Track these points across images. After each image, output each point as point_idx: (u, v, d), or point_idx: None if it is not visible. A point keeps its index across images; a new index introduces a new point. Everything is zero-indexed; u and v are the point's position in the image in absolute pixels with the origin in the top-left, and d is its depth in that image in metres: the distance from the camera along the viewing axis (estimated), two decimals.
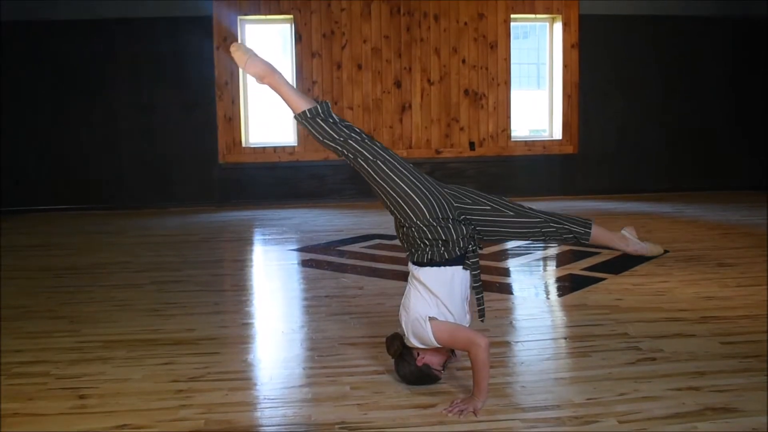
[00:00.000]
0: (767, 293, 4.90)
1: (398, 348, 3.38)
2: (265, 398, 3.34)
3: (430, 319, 3.21)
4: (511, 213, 3.34)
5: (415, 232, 3.23)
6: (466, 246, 3.26)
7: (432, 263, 3.23)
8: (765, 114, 9.95)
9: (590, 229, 3.40)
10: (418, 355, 3.33)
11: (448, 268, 3.23)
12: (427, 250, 3.23)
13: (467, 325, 3.31)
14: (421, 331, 3.22)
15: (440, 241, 3.21)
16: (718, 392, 3.28)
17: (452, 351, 3.44)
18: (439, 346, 3.24)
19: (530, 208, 3.41)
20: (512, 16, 9.56)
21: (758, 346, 3.87)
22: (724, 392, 3.28)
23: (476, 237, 3.33)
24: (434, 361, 3.34)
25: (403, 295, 3.39)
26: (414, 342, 3.28)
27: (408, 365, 3.36)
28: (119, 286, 5.42)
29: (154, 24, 8.97)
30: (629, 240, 3.51)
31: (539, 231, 3.36)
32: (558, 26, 9.71)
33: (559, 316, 4.72)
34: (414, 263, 3.30)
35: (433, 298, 3.24)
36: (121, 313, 4.69)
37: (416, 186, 3.21)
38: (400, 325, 3.35)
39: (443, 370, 3.40)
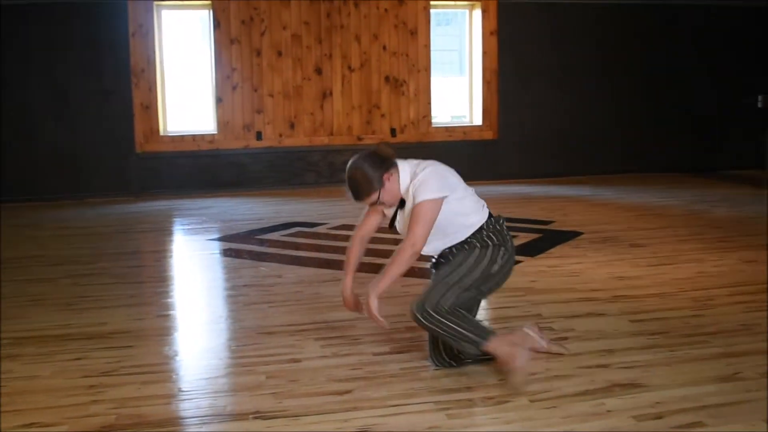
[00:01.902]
0: (675, 272, 5.07)
1: (384, 151, 3.29)
2: (179, 390, 3.29)
3: (446, 198, 3.22)
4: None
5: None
6: None
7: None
8: (677, 97, 10.26)
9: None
10: (390, 177, 3.25)
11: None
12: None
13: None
14: (430, 185, 3.20)
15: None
16: (625, 369, 3.38)
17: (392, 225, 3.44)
18: (413, 206, 3.20)
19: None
20: (432, 2, 9.62)
21: (665, 323, 4.01)
22: (632, 368, 3.38)
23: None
24: (389, 194, 3.28)
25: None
26: (404, 176, 3.25)
27: (372, 165, 3.24)
28: (32, 280, 5.27)
29: (66, 9, 8.69)
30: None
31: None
32: (477, 13, 9.80)
33: None
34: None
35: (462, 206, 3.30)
36: (32, 309, 4.55)
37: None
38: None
39: (378, 205, 3.34)
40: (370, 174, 3.24)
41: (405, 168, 3.32)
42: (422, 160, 3.39)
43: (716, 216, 7.19)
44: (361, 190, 3.27)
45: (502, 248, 3.33)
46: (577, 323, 4.01)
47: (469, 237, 3.34)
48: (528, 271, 5.19)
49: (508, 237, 3.39)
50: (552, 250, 5.83)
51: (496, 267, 3.30)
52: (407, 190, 3.29)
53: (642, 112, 10.26)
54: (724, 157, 10.50)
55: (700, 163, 10.43)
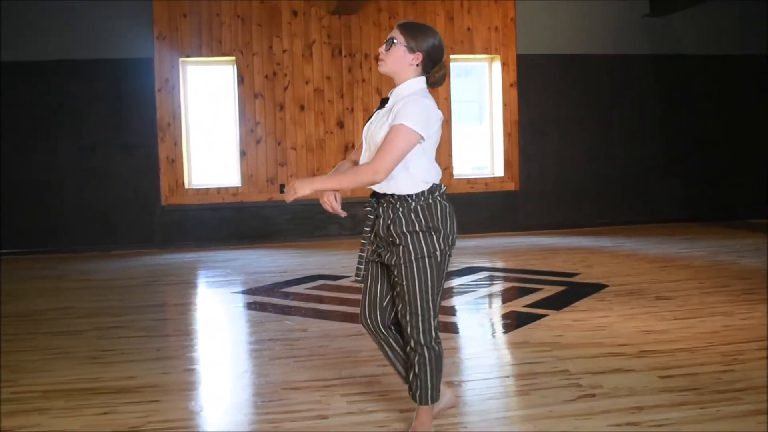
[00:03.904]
0: (702, 325, 5.03)
1: (440, 70, 3.17)
2: None
3: (418, 133, 2.99)
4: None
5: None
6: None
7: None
8: (698, 145, 10.27)
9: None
10: (416, 57, 3.09)
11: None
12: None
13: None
14: (417, 115, 2.99)
15: None
16: (656, 427, 3.34)
17: None
18: (391, 126, 3.00)
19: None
20: (452, 56, 9.73)
21: (694, 378, 3.97)
22: (662, 426, 3.34)
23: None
24: (399, 59, 3.09)
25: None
26: (412, 83, 3.09)
27: (427, 37, 3.10)
28: (59, 333, 5.31)
29: (96, 66, 8.91)
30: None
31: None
32: (497, 66, 9.91)
33: (503, 355, 4.77)
34: None
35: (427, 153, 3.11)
36: (60, 362, 4.59)
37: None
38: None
39: (384, 49, 3.13)
40: (423, 34, 3.10)
41: (418, 83, 3.13)
42: (429, 97, 3.17)
43: (742, 267, 7.14)
44: (408, 26, 3.13)
45: (433, 233, 3.15)
46: (605, 379, 3.98)
47: (401, 201, 3.15)
48: (554, 325, 5.17)
49: (436, 215, 3.20)
50: (577, 303, 5.80)
51: (438, 253, 3.14)
52: (400, 94, 3.11)
53: (662, 161, 10.27)
54: (747, 206, 10.45)
55: (722, 212, 10.39)
